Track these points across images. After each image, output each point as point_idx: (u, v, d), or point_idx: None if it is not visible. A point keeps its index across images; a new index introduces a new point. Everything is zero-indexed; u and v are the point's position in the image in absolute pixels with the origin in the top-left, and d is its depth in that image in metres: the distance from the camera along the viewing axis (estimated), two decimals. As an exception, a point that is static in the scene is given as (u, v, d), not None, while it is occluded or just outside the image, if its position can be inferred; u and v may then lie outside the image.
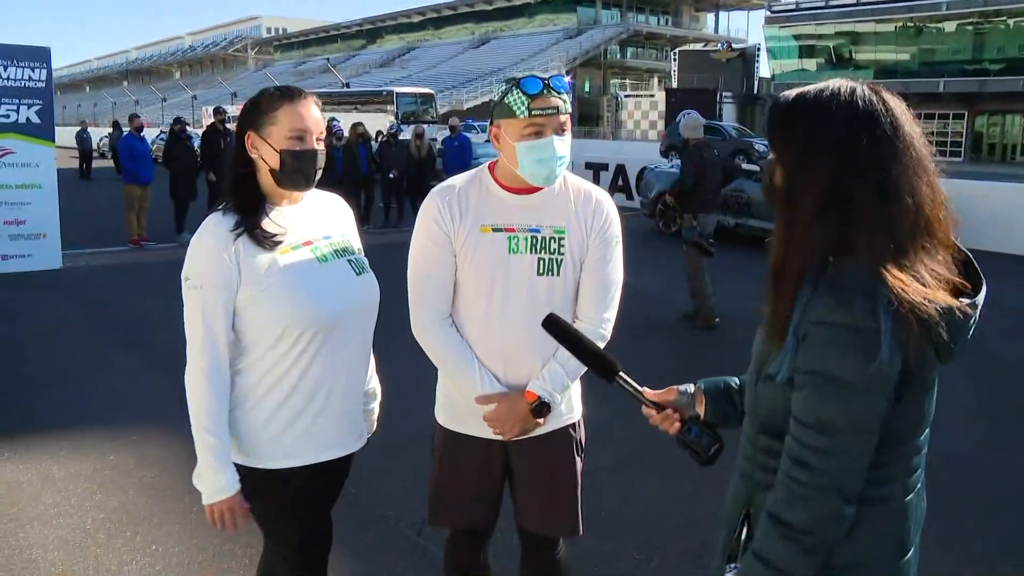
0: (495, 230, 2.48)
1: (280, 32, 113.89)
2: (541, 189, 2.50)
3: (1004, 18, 40.76)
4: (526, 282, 2.49)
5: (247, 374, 2.35)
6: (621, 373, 2.02)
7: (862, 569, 1.64)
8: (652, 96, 49.06)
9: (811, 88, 1.65)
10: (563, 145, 2.41)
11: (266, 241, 2.29)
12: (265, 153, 2.31)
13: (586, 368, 2.55)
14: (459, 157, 16.23)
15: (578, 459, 2.69)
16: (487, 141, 19.56)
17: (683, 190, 8.92)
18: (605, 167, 20.66)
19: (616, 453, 5.16)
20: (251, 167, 2.36)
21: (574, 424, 2.69)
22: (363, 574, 3.82)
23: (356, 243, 2.55)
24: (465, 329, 2.54)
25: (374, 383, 2.76)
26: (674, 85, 46.37)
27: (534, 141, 2.38)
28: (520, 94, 2.37)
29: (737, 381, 2.00)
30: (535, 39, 72.75)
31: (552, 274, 2.50)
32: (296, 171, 2.31)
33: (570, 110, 2.44)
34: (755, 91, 46.37)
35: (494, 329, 2.50)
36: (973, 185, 14.95)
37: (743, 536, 1.77)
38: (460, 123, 18.30)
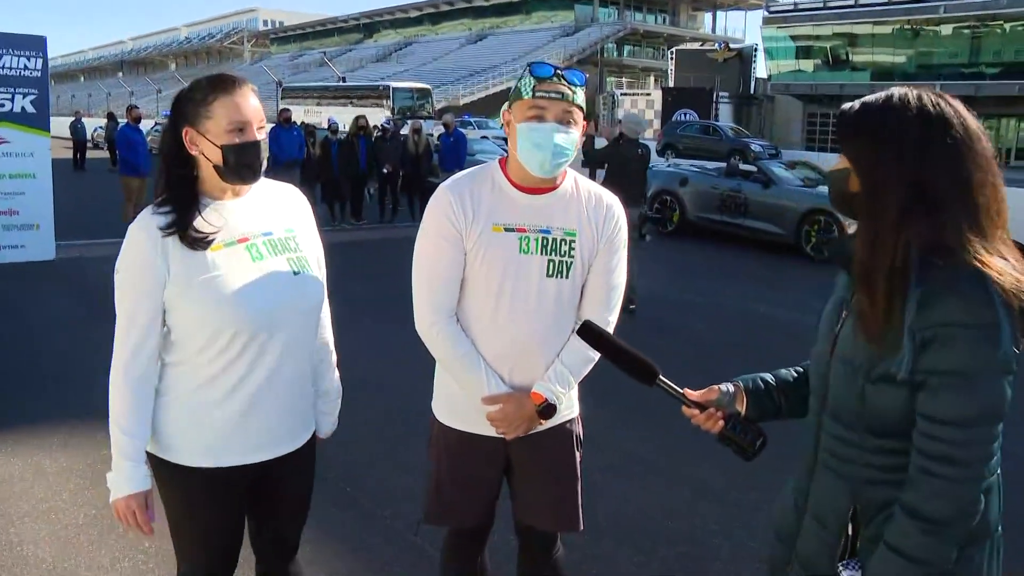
0: (507, 229, 2.46)
1: (277, 25, 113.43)
2: (553, 189, 2.48)
3: (1001, 22, 40.84)
4: (535, 283, 2.47)
5: (176, 367, 2.28)
6: (661, 376, 2.04)
7: (976, 544, 1.74)
8: (649, 95, 49.07)
9: (877, 95, 1.77)
10: (565, 137, 2.36)
11: (197, 243, 2.20)
12: (205, 149, 2.22)
13: (590, 368, 2.56)
14: (455, 153, 16.17)
15: (577, 454, 2.69)
16: (483, 137, 19.70)
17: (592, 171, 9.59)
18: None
19: (615, 455, 5.15)
20: (188, 166, 2.26)
21: (573, 419, 2.69)
22: (358, 574, 3.79)
23: (304, 239, 2.42)
24: (471, 328, 2.51)
25: (329, 381, 2.65)
26: (671, 84, 46.34)
27: (534, 124, 2.35)
28: (530, 77, 2.37)
29: (771, 377, 2.10)
30: (532, 36, 72.63)
31: (561, 276, 2.49)
32: (241, 165, 2.22)
33: (581, 103, 2.40)
34: (752, 91, 46.38)
35: (501, 329, 2.48)
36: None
37: (850, 533, 1.84)
38: (456, 119, 18.21)
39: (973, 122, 1.71)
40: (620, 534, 4.20)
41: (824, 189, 14.12)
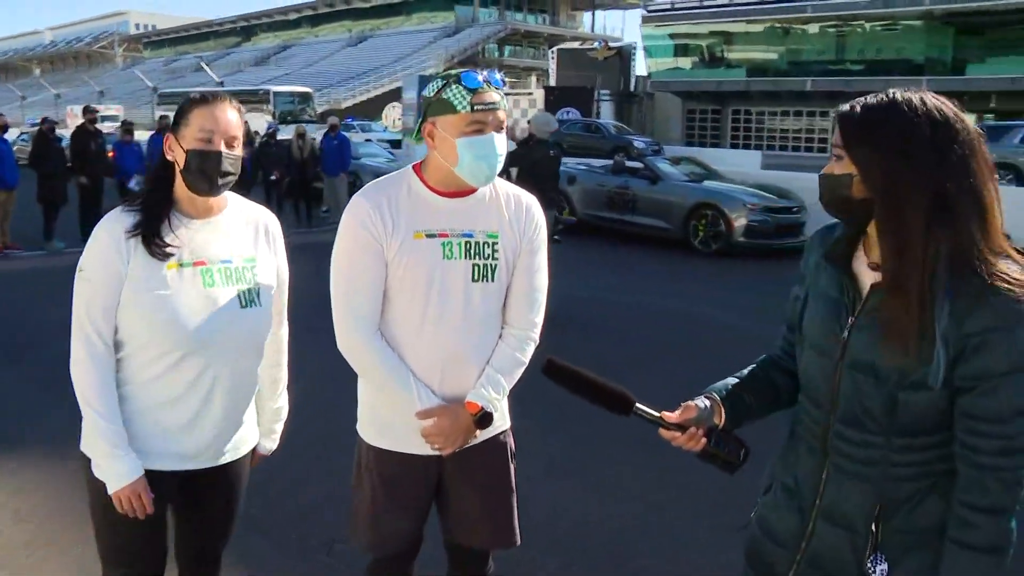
0: (429, 236, 2.40)
1: (150, 28, 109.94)
2: (473, 192, 2.43)
3: (862, 22, 42.55)
4: (461, 289, 2.41)
5: (122, 366, 2.33)
6: (638, 404, 1.99)
7: None
8: (531, 94, 49.24)
9: (878, 97, 1.78)
10: (502, 143, 2.35)
11: (157, 250, 2.25)
12: (177, 154, 2.29)
13: (522, 371, 2.51)
14: (339, 157, 15.93)
15: (511, 467, 2.64)
16: (368, 140, 19.43)
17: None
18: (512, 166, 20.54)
19: (543, 463, 5.07)
20: (170, 170, 2.34)
21: (505, 431, 2.63)
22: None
23: (264, 270, 2.44)
24: (397, 340, 2.43)
25: (279, 401, 2.69)
26: (552, 83, 46.66)
27: (476, 137, 2.30)
28: (461, 89, 2.30)
29: (737, 381, 2.09)
30: (413, 37, 72.28)
31: (487, 280, 2.44)
32: (199, 171, 2.26)
33: (507, 107, 2.38)
34: (632, 89, 47.06)
35: (429, 339, 2.41)
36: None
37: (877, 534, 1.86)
38: (340, 122, 17.93)
39: (971, 123, 1.75)
40: (544, 542, 4.13)
41: (711, 184, 14.44)
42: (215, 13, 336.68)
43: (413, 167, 2.48)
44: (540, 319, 2.56)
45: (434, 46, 67.81)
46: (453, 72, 2.37)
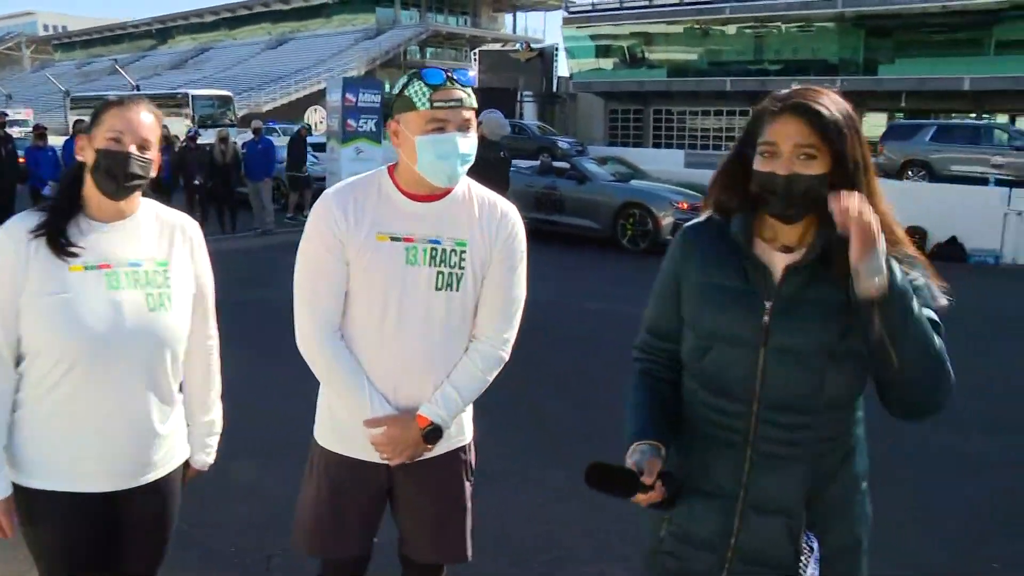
0: (393, 239, 2.33)
1: (60, 30, 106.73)
2: (443, 197, 2.36)
3: (778, 23, 43.44)
4: (423, 297, 2.34)
5: (23, 378, 2.25)
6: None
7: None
8: (455, 96, 49.20)
9: (828, 92, 1.87)
10: (467, 143, 2.28)
11: (61, 251, 2.20)
12: (87, 154, 2.25)
13: (482, 390, 2.45)
14: (263, 161, 15.65)
15: (467, 483, 2.56)
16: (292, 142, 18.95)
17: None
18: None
19: (481, 467, 4.99)
20: (81, 171, 2.26)
21: (464, 447, 2.56)
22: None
23: (178, 274, 2.36)
24: (355, 344, 2.37)
25: (212, 413, 2.60)
26: (475, 85, 46.73)
27: (436, 136, 2.24)
28: (422, 85, 2.24)
29: (659, 407, 2.04)
30: (334, 40, 71.44)
31: (451, 289, 2.36)
32: (107, 172, 2.21)
33: (475, 105, 2.30)
34: (555, 90, 47.31)
35: (387, 346, 2.35)
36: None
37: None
38: (263, 125, 17.63)
39: None
40: (490, 547, 4.05)
41: (638, 183, 14.59)
42: (128, 15, 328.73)
43: (388, 168, 2.42)
44: (512, 334, 2.48)
45: (355, 48, 67.16)
46: (418, 68, 2.31)
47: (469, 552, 2.59)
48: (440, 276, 2.35)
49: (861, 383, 1.92)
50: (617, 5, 47.81)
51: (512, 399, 6.25)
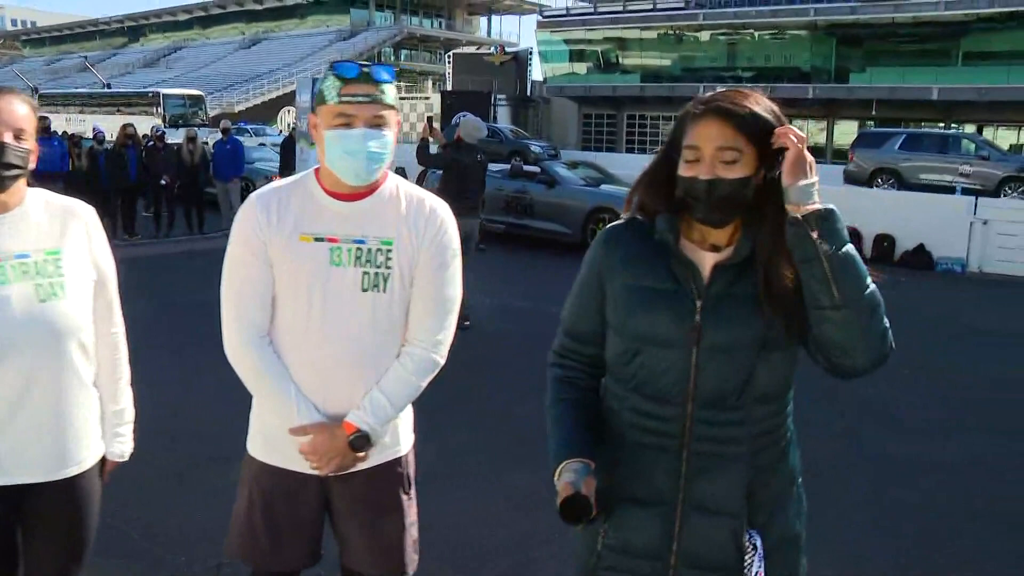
0: (316, 239, 2.26)
1: (29, 25, 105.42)
2: (369, 195, 2.30)
3: (751, 31, 43.75)
4: (349, 298, 2.27)
5: None
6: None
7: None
8: (427, 98, 49.09)
9: (754, 93, 1.85)
10: (378, 142, 2.21)
11: None
12: None
13: (416, 395, 2.39)
14: (231, 161, 15.51)
15: (405, 496, 2.49)
16: (261, 145, 19.04)
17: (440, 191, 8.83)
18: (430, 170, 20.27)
19: (446, 472, 4.97)
20: None
21: (401, 458, 2.49)
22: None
23: (72, 262, 2.30)
24: (282, 350, 2.30)
25: (122, 402, 2.53)
26: (449, 88, 46.61)
27: (342, 131, 2.18)
28: (334, 79, 2.19)
29: (584, 421, 2.00)
30: (308, 40, 71.04)
31: (378, 290, 2.29)
32: None
33: (392, 102, 2.24)
34: (528, 94, 47.33)
35: (313, 350, 2.28)
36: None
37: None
38: (232, 125, 17.47)
39: None
40: (441, 553, 4.02)
41: (608, 188, 14.58)
42: (100, 11, 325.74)
43: (315, 169, 2.36)
44: (446, 336, 2.40)
45: (329, 49, 66.79)
46: (335, 62, 2.26)
47: (410, 565, 2.52)
48: (366, 277, 2.28)
49: (790, 375, 1.94)
50: (591, 10, 47.99)
51: (479, 403, 6.21)
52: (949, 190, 19.70)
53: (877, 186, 22.59)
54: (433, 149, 9.26)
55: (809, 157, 1.77)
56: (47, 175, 13.32)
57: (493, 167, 17.35)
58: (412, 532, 2.52)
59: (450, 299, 2.40)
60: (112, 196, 14.89)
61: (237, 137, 17.59)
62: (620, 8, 46.86)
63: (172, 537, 4.15)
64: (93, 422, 2.42)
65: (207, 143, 17.46)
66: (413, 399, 2.41)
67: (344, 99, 2.17)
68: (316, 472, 2.32)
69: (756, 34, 44.10)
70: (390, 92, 2.23)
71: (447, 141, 9.26)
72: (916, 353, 8.38)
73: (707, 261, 1.90)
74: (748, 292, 1.85)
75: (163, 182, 15.65)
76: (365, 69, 2.20)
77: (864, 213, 14.92)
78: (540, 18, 50.69)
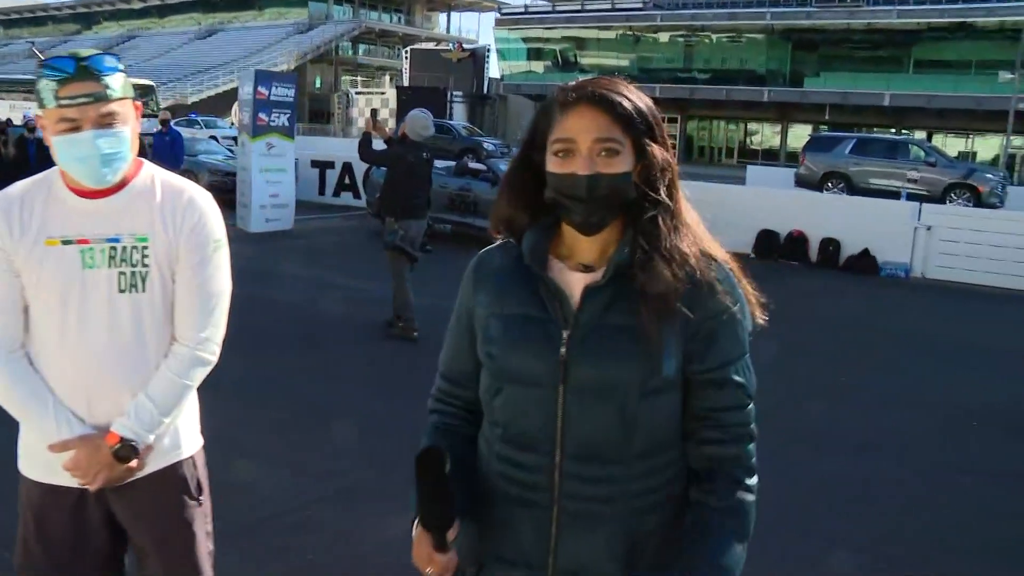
0: (64, 242, 2.09)
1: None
2: (120, 189, 2.12)
3: (708, 34, 44.00)
4: (105, 301, 2.11)
5: None
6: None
7: None
8: (383, 94, 48.85)
9: (626, 83, 1.63)
10: (111, 140, 2.02)
11: None
12: None
13: (186, 398, 2.24)
14: (170, 153, 15.10)
15: (191, 502, 2.32)
16: (212, 138, 18.71)
17: (382, 191, 8.48)
18: (331, 165, 20.03)
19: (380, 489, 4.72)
20: None
21: (183, 461, 2.31)
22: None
23: None
24: (40, 362, 2.13)
25: None
26: (405, 83, 46.35)
27: (69, 136, 1.99)
28: (48, 80, 1.97)
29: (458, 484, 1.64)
30: (265, 32, 70.37)
31: (136, 290, 2.13)
32: None
33: (120, 94, 2.03)
34: (485, 91, 47.21)
35: (71, 358, 2.11)
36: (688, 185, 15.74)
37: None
38: (171, 116, 17.02)
39: None
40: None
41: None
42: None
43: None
44: (214, 332, 2.25)
45: (286, 42, 66.24)
46: (52, 56, 2.05)
47: (205, 573, 2.36)
48: (122, 277, 2.12)
49: (677, 426, 1.65)
50: (550, 9, 47.99)
51: (392, 409, 5.98)
52: (897, 196, 19.79)
53: (827, 190, 22.72)
54: (377, 145, 8.82)
55: None
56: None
57: (438, 163, 17.17)
58: (207, 543, 2.37)
59: (216, 294, 2.24)
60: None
61: (177, 129, 17.15)
62: (578, 7, 46.95)
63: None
64: None
65: (150, 135, 17.01)
66: (184, 400, 2.25)
67: (63, 102, 1.98)
68: (86, 487, 2.16)
69: (713, 37, 44.41)
70: (116, 83, 2.04)
71: (391, 135, 8.85)
72: (861, 362, 8.29)
73: (577, 283, 1.63)
74: (627, 323, 1.57)
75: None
76: (83, 63, 1.99)
77: (812, 217, 14.92)
78: (499, 15, 50.58)
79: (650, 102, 1.62)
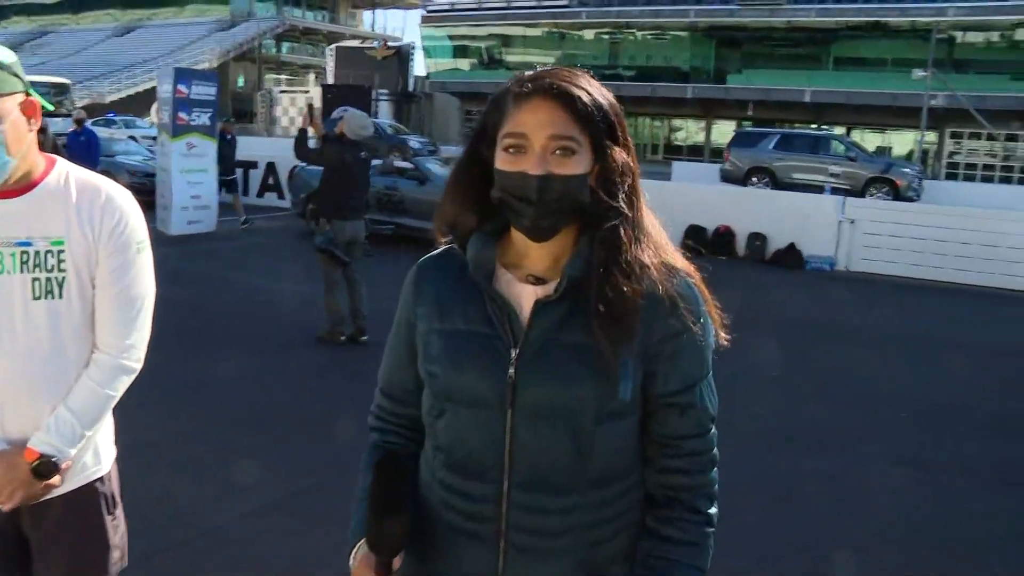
0: None
1: None
2: (31, 188, 2.00)
3: (633, 31, 44.37)
4: (20, 309, 2.00)
5: None
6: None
7: None
8: (308, 92, 48.21)
9: (585, 74, 1.51)
10: None
11: None
12: None
13: (108, 409, 2.13)
14: (85, 153, 14.63)
15: (108, 518, 2.21)
16: (131, 138, 18.24)
17: (314, 191, 8.28)
18: (255, 165, 19.66)
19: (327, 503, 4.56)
20: None
21: (101, 478, 2.19)
22: None
23: None
24: None
25: None
26: (330, 81, 45.79)
27: None
28: None
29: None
30: (186, 30, 68.86)
31: (53, 297, 2.02)
32: None
33: (6, 91, 1.93)
34: (411, 89, 46.90)
35: None
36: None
37: None
38: (86, 116, 16.49)
39: None
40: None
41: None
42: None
43: None
44: (138, 339, 2.14)
45: (208, 40, 64.95)
46: None
47: None
48: (36, 283, 2.01)
49: (635, 451, 1.54)
50: (476, 6, 47.89)
51: (322, 418, 5.84)
52: (820, 190, 20.16)
53: (752, 185, 23.03)
54: (312, 143, 8.51)
55: None
56: None
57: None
58: (114, 555, 2.24)
59: (138, 298, 2.13)
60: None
61: (91, 128, 16.62)
62: (504, 4, 46.92)
63: None
64: None
65: (64, 134, 16.45)
66: (107, 412, 2.15)
67: None
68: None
69: (638, 34, 44.78)
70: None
71: (327, 132, 8.58)
72: (794, 354, 8.37)
73: (527, 297, 1.51)
74: (580, 340, 1.46)
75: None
76: None
77: (738, 212, 15.14)
78: (424, 13, 50.32)
79: (612, 98, 1.50)
